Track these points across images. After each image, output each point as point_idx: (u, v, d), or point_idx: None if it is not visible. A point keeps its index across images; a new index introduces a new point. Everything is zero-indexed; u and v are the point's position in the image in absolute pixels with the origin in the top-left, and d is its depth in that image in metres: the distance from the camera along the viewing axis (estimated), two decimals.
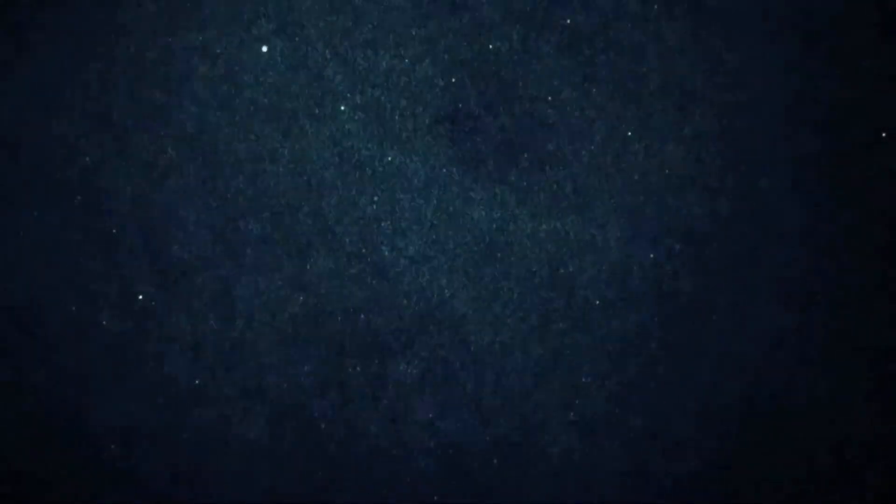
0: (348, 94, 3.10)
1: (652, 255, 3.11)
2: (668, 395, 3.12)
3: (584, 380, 3.13)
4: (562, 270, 3.12)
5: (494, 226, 3.12)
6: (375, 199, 3.11)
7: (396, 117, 3.10)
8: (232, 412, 3.10)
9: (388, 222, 3.11)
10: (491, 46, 3.10)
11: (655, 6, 3.09)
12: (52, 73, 3.05)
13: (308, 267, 3.11)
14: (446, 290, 3.12)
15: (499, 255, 3.12)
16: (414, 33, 3.10)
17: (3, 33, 3.05)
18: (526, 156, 3.10)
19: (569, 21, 3.10)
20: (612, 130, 3.10)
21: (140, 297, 3.08)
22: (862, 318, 3.10)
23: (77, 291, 3.07)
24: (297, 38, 3.10)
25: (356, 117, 3.10)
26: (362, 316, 3.12)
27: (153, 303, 3.08)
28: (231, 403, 3.10)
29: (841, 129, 3.09)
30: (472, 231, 3.12)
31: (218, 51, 3.08)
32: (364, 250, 3.11)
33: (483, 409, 3.13)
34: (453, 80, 3.10)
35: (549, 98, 3.10)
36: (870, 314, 3.10)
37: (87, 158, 3.06)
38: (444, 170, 3.11)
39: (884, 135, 3.08)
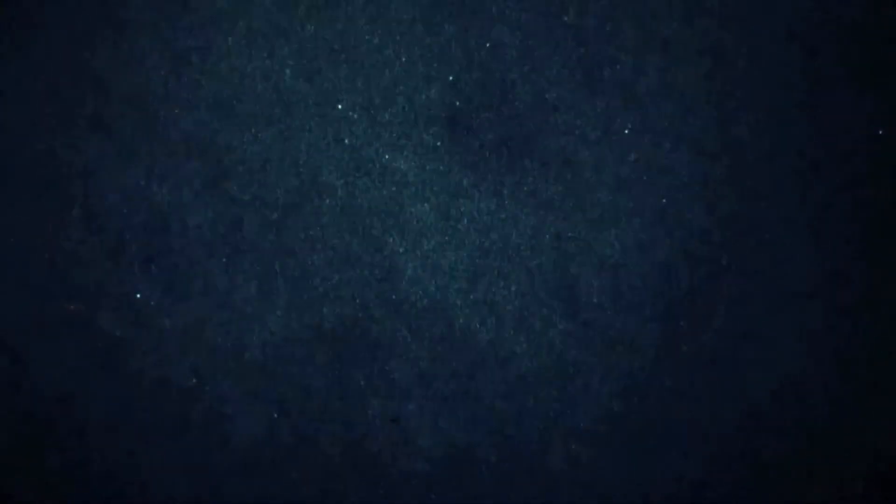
0: (348, 94, 3.10)
1: (652, 255, 3.12)
2: (669, 395, 3.13)
3: (584, 380, 3.13)
4: (562, 270, 3.13)
5: (494, 226, 3.12)
6: (375, 198, 3.11)
7: (396, 117, 3.11)
8: (231, 412, 3.10)
9: (388, 222, 3.11)
10: (491, 46, 3.11)
11: (656, 6, 3.10)
12: (51, 74, 3.05)
13: (308, 267, 3.10)
14: (446, 290, 3.12)
15: (499, 254, 3.13)
16: (414, 33, 3.10)
17: (3, 34, 3.04)
18: (526, 156, 3.11)
19: (568, 21, 3.11)
20: (612, 130, 3.11)
21: (139, 296, 3.07)
22: (862, 318, 3.12)
23: (77, 291, 3.06)
24: (297, 39, 3.10)
25: (356, 117, 3.10)
26: (362, 316, 3.11)
27: (153, 303, 3.07)
28: (230, 403, 3.10)
29: (840, 127, 3.10)
30: (472, 231, 3.12)
31: (218, 51, 3.08)
32: (364, 250, 3.11)
33: (483, 410, 3.13)
34: (453, 79, 3.11)
35: (549, 98, 3.11)
36: (870, 314, 3.11)
37: (87, 158, 3.06)
38: (444, 169, 3.11)
39: (881, 132, 3.10)
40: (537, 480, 3.14)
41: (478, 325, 3.13)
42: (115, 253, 3.07)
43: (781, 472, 3.13)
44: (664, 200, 3.11)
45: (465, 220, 3.12)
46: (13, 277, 3.05)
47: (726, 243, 3.11)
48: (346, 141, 3.10)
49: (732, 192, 3.11)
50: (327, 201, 3.10)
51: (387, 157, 3.11)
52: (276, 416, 3.10)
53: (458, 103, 3.10)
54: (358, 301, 3.11)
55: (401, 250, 3.12)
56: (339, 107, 3.10)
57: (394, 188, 3.11)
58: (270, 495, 3.11)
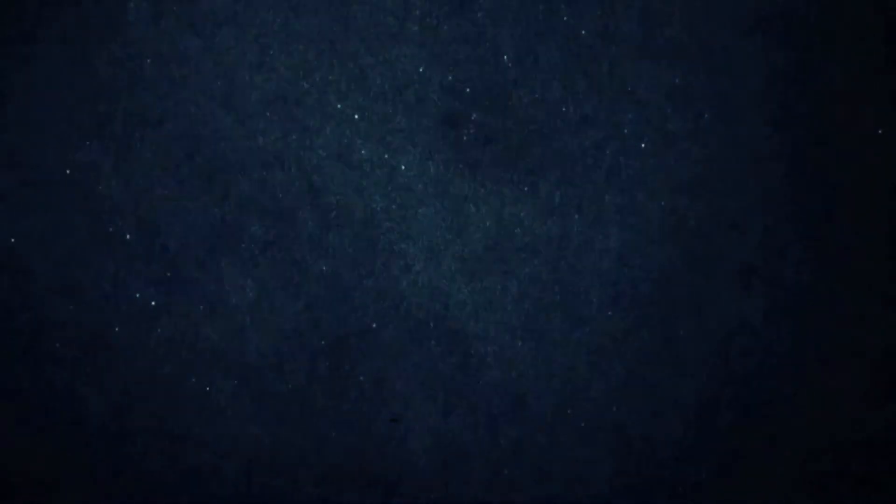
0: (348, 95, 3.10)
1: (651, 255, 3.12)
2: (668, 394, 3.13)
3: (583, 379, 3.13)
4: (562, 270, 3.13)
5: (494, 226, 3.12)
6: (375, 199, 3.11)
7: (396, 118, 3.10)
8: (231, 412, 3.09)
9: (388, 222, 3.11)
10: (491, 47, 3.10)
11: (655, 6, 3.10)
12: (52, 74, 3.04)
13: (308, 267, 3.10)
14: (446, 290, 3.12)
15: (499, 255, 3.12)
16: (414, 34, 3.10)
17: (5, 35, 3.04)
18: (526, 156, 3.11)
19: (568, 20, 3.11)
20: (611, 130, 3.11)
21: (139, 296, 3.07)
22: (865, 318, 3.12)
23: (77, 291, 3.05)
24: (297, 39, 3.10)
25: (356, 118, 3.10)
26: (362, 315, 3.11)
27: (153, 303, 3.07)
28: (230, 404, 3.09)
29: (839, 127, 3.10)
30: (472, 231, 3.12)
31: (218, 51, 3.08)
32: (364, 250, 3.11)
33: (483, 410, 3.13)
34: (453, 80, 3.10)
35: (549, 98, 3.10)
36: (868, 314, 3.12)
37: (88, 159, 3.05)
38: (444, 169, 3.11)
39: (880, 131, 3.10)
40: (538, 480, 3.13)
41: (478, 326, 3.13)
42: (115, 253, 3.06)
43: (781, 474, 3.13)
44: (664, 200, 3.11)
45: (465, 220, 3.12)
46: (12, 277, 3.04)
47: (726, 243, 3.11)
48: (346, 141, 3.10)
49: (732, 192, 3.11)
50: (327, 202, 3.10)
51: (386, 156, 3.11)
52: (276, 416, 3.10)
53: (458, 103, 3.10)
54: (358, 301, 3.11)
55: (400, 250, 3.11)
56: (339, 106, 3.10)
57: (394, 188, 3.11)
58: (270, 495, 3.10)
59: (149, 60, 3.06)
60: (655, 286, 3.11)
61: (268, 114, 3.09)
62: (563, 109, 3.10)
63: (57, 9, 3.04)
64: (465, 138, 3.11)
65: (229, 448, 3.09)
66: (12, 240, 3.03)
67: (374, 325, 3.11)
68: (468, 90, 3.10)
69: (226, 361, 3.09)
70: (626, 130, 3.11)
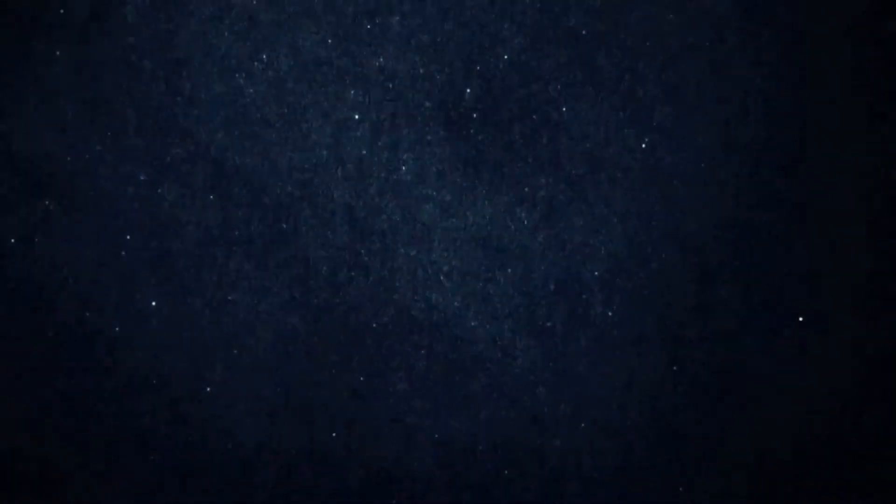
0: (348, 95, 3.10)
1: (652, 256, 3.12)
2: (669, 394, 3.13)
3: (583, 380, 3.13)
4: (562, 271, 3.13)
5: (494, 225, 3.12)
6: (375, 199, 3.11)
7: (396, 117, 3.10)
8: (231, 413, 3.10)
9: (388, 222, 3.11)
10: (491, 46, 3.11)
11: (655, 6, 3.10)
12: (52, 73, 3.04)
13: (308, 267, 3.10)
14: (446, 291, 3.12)
15: (499, 255, 3.13)
16: (414, 33, 3.10)
17: (4, 34, 3.04)
18: (526, 156, 3.11)
19: (569, 20, 3.11)
20: (612, 130, 3.11)
21: (139, 296, 3.07)
22: (865, 318, 3.12)
23: (77, 291, 3.06)
24: (297, 38, 3.10)
25: (355, 117, 3.10)
26: (362, 316, 3.11)
27: (153, 303, 3.07)
28: (231, 404, 3.10)
29: (840, 128, 3.11)
30: (471, 231, 3.12)
31: (218, 50, 3.08)
32: (364, 251, 3.11)
33: (483, 410, 3.13)
34: (453, 79, 3.11)
35: (549, 98, 3.10)
36: (874, 312, 3.12)
37: (87, 158, 3.06)
38: (444, 169, 3.11)
39: (881, 132, 3.10)
40: (538, 481, 3.14)
41: (478, 325, 3.13)
42: (115, 253, 3.06)
43: (785, 474, 3.13)
44: (664, 200, 3.11)
45: (465, 221, 3.12)
46: (11, 277, 3.05)
47: (727, 243, 3.11)
48: (346, 141, 3.10)
49: (733, 192, 3.11)
50: (327, 201, 3.10)
51: (386, 156, 3.11)
52: (276, 416, 3.10)
53: (458, 103, 3.10)
54: (358, 301, 3.11)
55: (400, 250, 3.12)
56: (339, 106, 3.10)
57: (393, 188, 3.11)
58: (270, 496, 3.11)
59: (149, 59, 3.06)
60: (655, 286, 3.12)
61: (268, 113, 3.09)
62: (563, 109, 3.10)
63: (55, 4, 3.04)
64: (464, 137, 3.11)
65: (229, 448, 3.09)
66: (12, 240, 3.04)
67: (374, 325, 3.11)
68: (468, 90, 3.10)
69: (226, 361, 3.09)
70: (626, 130, 3.11)
